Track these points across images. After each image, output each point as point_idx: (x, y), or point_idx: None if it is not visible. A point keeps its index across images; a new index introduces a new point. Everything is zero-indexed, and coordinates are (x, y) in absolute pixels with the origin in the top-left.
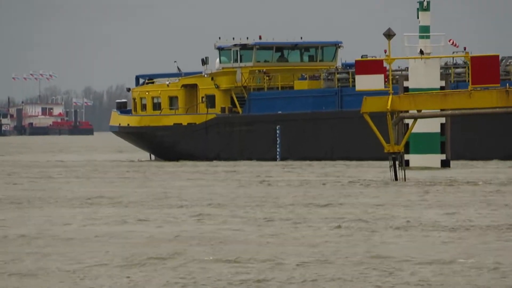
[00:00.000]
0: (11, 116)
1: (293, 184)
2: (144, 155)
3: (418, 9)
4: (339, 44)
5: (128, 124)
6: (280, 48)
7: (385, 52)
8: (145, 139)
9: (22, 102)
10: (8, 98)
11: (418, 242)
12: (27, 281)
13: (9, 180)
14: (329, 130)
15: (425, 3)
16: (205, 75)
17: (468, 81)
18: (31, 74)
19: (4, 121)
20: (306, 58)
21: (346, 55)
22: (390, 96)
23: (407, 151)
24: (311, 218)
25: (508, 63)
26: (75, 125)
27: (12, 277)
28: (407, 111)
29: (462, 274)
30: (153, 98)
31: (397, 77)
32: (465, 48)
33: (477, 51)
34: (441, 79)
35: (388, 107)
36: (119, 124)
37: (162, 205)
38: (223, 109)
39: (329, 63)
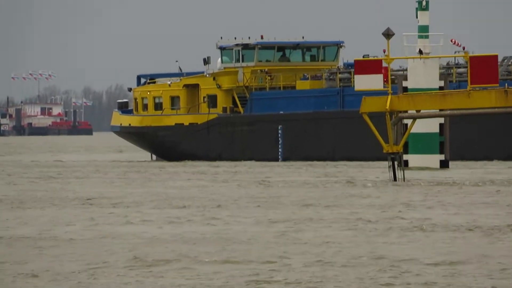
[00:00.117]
0: (10, 116)
1: (293, 185)
2: (146, 155)
3: (416, 8)
4: (341, 44)
5: (130, 124)
6: (282, 48)
7: (384, 52)
8: (146, 139)
9: (21, 102)
10: (7, 98)
11: (422, 243)
12: (32, 281)
13: (10, 180)
14: (331, 130)
15: (424, 3)
16: (207, 75)
17: None
18: (30, 74)
19: (3, 121)
20: (308, 58)
21: (348, 55)
22: (389, 96)
23: (406, 151)
24: (312, 218)
25: (510, 63)
26: (74, 125)
27: (18, 278)
28: (406, 111)
29: (468, 275)
30: (154, 98)
31: (393, 77)
32: (463, 48)
33: (479, 50)
34: (440, 79)
35: (387, 107)
36: (121, 124)
37: (164, 206)
38: (224, 109)
39: (331, 63)
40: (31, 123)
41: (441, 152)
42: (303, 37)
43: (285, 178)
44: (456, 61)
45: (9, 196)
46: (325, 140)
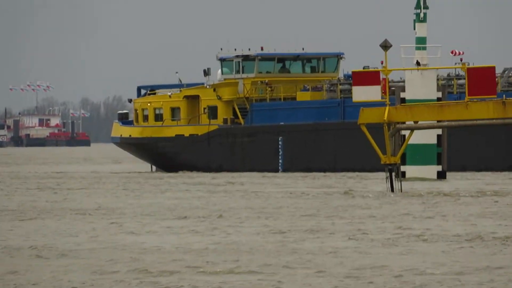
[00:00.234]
0: (8, 127)
1: (292, 196)
2: (146, 166)
3: (414, 20)
4: (341, 55)
5: (130, 135)
6: (282, 59)
7: (382, 63)
8: (146, 150)
9: (19, 113)
10: (5, 109)
11: (424, 253)
12: None
13: (9, 191)
14: (332, 141)
15: (421, 15)
16: (207, 86)
17: None
18: (28, 85)
19: (0, 132)
20: (308, 69)
21: (348, 66)
22: (387, 107)
23: (403, 162)
24: (313, 229)
25: (511, 74)
26: (72, 136)
27: None
28: (404, 122)
29: (473, 286)
30: (155, 109)
31: (393, 88)
32: (461, 60)
33: (480, 62)
34: (438, 90)
35: (385, 118)
36: (121, 135)
37: (165, 216)
38: (225, 120)
39: (331, 74)
40: (29, 134)
41: (438, 163)
42: (303, 49)
43: (284, 189)
44: (457, 72)
45: (9, 207)
46: (326, 151)
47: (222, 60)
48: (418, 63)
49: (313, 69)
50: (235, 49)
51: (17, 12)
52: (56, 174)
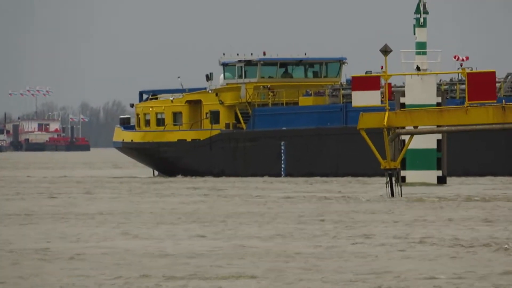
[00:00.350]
0: (8, 132)
1: (293, 201)
2: (147, 170)
3: (414, 25)
4: (344, 60)
5: (132, 140)
6: (284, 64)
7: (382, 68)
8: (148, 155)
9: (19, 118)
10: (5, 114)
11: (428, 257)
12: None
13: (13, 196)
14: (334, 146)
15: (421, 20)
16: (209, 91)
17: None
18: (27, 90)
19: (0, 137)
20: (310, 74)
21: (351, 71)
22: (387, 112)
23: (403, 167)
24: (315, 234)
25: None
26: (72, 141)
27: None
28: (404, 127)
29: None
30: (157, 114)
31: (395, 93)
32: (461, 65)
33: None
34: (438, 95)
35: (385, 123)
36: (123, 140)
37: (168, 221)
38: (227, 125)
39: (333, 79)
40: (28, 139)
41: (438, 168)
42: (305, 54)
43: (287, 193)
44: (460, 78)
45: (14, 211)
46: (328, 156)
47: (224, 65)
48: (418, 68)
49: (315, 74)
50: (238, 54)
51: (16, 17)
52: (57, 179)
